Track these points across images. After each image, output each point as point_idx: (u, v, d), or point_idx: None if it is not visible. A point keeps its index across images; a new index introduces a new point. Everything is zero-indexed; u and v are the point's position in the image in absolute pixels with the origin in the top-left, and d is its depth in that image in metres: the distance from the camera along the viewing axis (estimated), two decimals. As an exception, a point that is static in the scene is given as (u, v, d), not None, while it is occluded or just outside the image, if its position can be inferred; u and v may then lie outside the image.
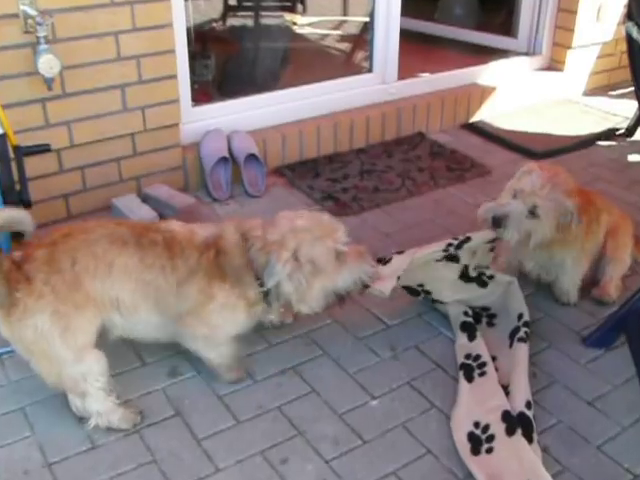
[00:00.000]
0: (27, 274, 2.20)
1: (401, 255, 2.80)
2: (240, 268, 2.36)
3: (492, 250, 2.88)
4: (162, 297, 2.34)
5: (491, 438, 2.30)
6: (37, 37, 3.03)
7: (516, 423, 2.32)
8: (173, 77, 3.59)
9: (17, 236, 2.57)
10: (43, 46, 3.04)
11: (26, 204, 2.85)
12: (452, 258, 2.84)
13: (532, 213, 2.68)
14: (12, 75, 3.14)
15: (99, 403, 2.32)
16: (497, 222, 2.72)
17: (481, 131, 4.66)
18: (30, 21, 3.03)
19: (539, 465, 2.19)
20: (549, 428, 2.41)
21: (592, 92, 5.30)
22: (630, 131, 4.61)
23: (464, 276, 2.88)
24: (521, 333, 2.71)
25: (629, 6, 2.21)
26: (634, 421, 2.44)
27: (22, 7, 3.02)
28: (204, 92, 4.31)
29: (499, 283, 2.90)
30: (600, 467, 2.27)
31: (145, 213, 3.41)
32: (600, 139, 4.60)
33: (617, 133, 4.65)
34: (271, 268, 2.29)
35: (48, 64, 3.04)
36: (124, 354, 2.67)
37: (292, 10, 6.05)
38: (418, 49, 5.34)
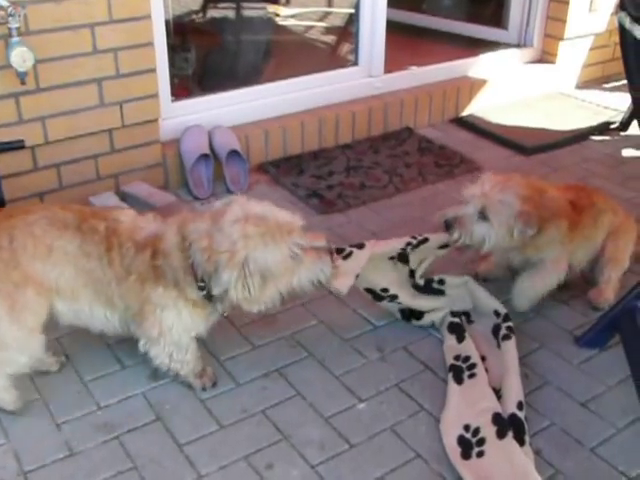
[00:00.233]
0: None
1: (361, 250, 2.81)
2: (179, 270, 2.33)
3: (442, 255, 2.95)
4: (102, 289, 2.36)
5: (482, 442, 2.32)
6: (9, 29, 3.02)
7: (507, 425, 2.33)
8: (152, 71, 3.59)
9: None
10: (15, 39, 3.03)
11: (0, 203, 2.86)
12: (403, 258, 2.87)
13: (482, 216, 2.71)
14: (-17, 69, 3.14)
15: None
16: (449, 225, 2.77)
17: (471, 126, 4.68)
18: (1, 12, 3.01)
19: (531, 468, 2.20)
20: (542, 430, 2.43)
21: (585, 85, 5.34)
22: (624, 125, 4.64)
23: (415, 286, 2.92)
24: (503, 330, 2.74)
25: (621, -4, 2.27)
26: (629, 423, 2.46)
27: (-7, -2, 3.01)
28: (184, 86, 4.32)
29: (455, 286, 2.93)
30: (594, 470, 2.28)
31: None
32: (593, 133, 4.63)
33: (611, 127, 4.68)
34: (218, 278, 2.25)
35: (21, 57, 3.03)
36: (102, 357, 2.67)
37: (275, 1, 6.06)
38: (405, 41, 5.35)
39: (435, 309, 2.89)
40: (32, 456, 2.29)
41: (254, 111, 4.17)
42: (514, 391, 2.47)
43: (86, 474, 2.24)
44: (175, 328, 2.40)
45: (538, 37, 5.18)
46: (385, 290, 2.83)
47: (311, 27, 6.05)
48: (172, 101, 3.93)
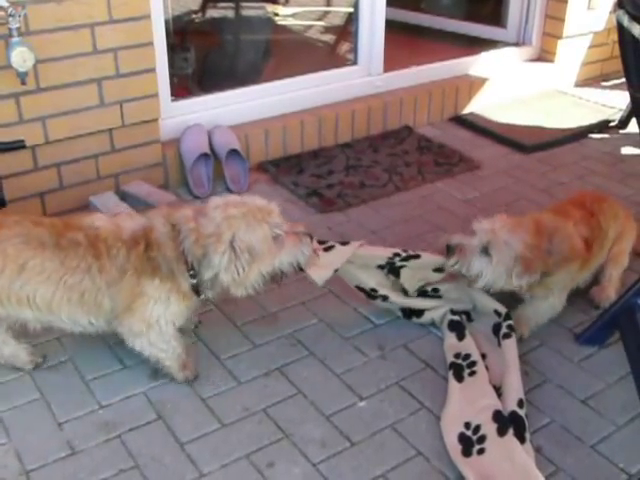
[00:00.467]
0: None
1: (344, 247, 2.83)
2: (172, 260, 2.36)
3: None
4: (91, 299, 2.35)
5: (482, 439, 2.32)
6: (9, 29, 3.03)
7: (508, 423, 2.33)
8: (152, 71, 3.60)
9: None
10: (16, 39, 3.03)
11: (0, 203, 2.87)
12: (394, 270, 2.87)
13: (485, 250, 2.71)
14: (-17, 69, 3.14)
15: None
16: (450, 251, 2.77)
17: (470, 124, 4.68)
18: (1, 13, 3.02)
19: (532, 466, 2.20)
20: (542, 428, 2.43)
21: (584, 83, 5.34)
22: (623, 123, 4.64)
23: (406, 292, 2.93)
24: (504, 329, 2.74)
25: (620, -6, 2.27)
26: (629, 420, 2.46)
27: (-7, -2, 3.02)
28: (184, 86, 4.32)
29: (451, 290, 2.93)
30: (594, 467, 2.29)
31: (124, 211, 3.41)
32: (593, 131, 4.64)
33: (610, 125, 4.69)
34: (208, 261, 2.31)
35: (21, 57, 3.03)
36: (103, 356, 2.68)
37: (274, 1, 6.06)
38: (404, 40, 5.35)
39: (435, 307, 2.89)
40: (34, 455, 2.30)
41: (254, 110, 4.17)
42: (514, 389, 2.48)
43: (88, 473, 2.24)
44: (163, 319, 2.42)
45: (537, 35, 5.18)
46: (374, 290, 2.84)
47: (310, 26, 6.05)
48: (172, 101, 3.93)
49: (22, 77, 3.11)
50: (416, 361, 2.73)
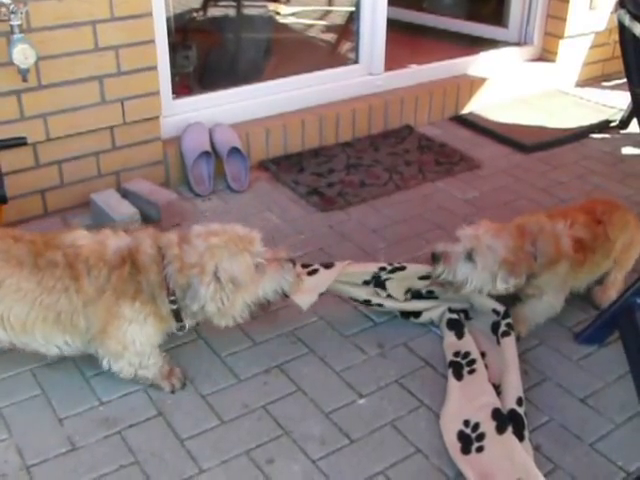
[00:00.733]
0: None
1: (328, 270, 2.83)
2: (155, 285, 2.35)
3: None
4: (67, 319, 2.33)
5: (481, 437, 2.33)
6: (11, 26, 3.03)
7: (507, 421, 2.34)
8: (153, 68, 3.61)
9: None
10: (17, 35, 3.04)
11: (1, 200, 2.87)
12: (380, 284, 2.88)
13: (469, 256, 2.74)
14: (-15, 66, 3.15)
15: None
16: (435, 258, 2.80)
17: (470, 124, 4.69)
18: (3, 9, 3.03)
19: (531, 463, 2.21)
20: (541, 426, 2.44)
21: (585, 83, 5.35)
22: (624, 123, 4.65)
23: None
24: (503, 327, 2.75)
25: (621, -7, 2.27)
26: (627, 418, 2.47)
27: (-6, -5, 3.03)
28: (185, 84, 4.33)
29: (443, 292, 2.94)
30: (593, 465, 2.30)
31: (125, 209, 3.42)
32: (593, 131, 4.64)
33: (611, 125, 4.70)
34: (194, 292, 2.29)
35: (23, 54, 3.04)
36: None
37: (275, 0, 6.07)
38: (406, 39, 5.36)
39: (433, 307, 2.90)
40: (35, 450, 2.31)
41: (255, 109, 4.18)
42: (514, 387, 2.49)
43: (88, 468, 2.25)
44: (138, 341, 2.40)
45: (538, 35, 5.19)
46: (367, 301, 2.86)
47: (312, 25, 6.06)
48: (173, 99, 3.93)
49: (24, 74, 3.11)
50: (416, 359, 2.74)
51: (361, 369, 2.68)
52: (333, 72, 4.52)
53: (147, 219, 3.44)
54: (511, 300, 2.89)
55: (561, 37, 5.09)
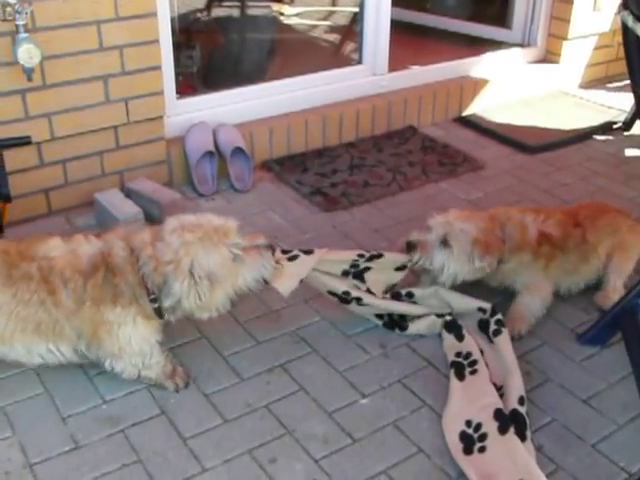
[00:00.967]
0: None
1: (308, 256, 2.80)
2: (135, 286, 2.34)
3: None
4: (49, 329, 2.31)
5: (483, 437, 2.33)
6: (16, 25, 3.05)
7: (509, 421, 2.35)
8: (157, 68, 3.61)
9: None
10: (22, 35, 3.05)
11: (6, 199, 2.88)
12: (358, 275, 2.88)
13: (444, 242, 2.80)
14: (-10, 65, 3.16)
15: None
16: (411, 247, 2.85)
17: (474, 125, 4.69)
18: (8, 9, 3.04)
19: (533, 464, 2.21)
20: (543, 427, 2.44)
21: (589, 85, 5.35)
22: (627, 125, 4.65)
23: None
24: (493, 326, 2.77)
25: (625, -5, 2.28)
26: (629, 419, 2.47)
27: (0, -5, 3.04)
28: (189, 84, 4.34)
29: (426, 297, 2.92)
30: (595, 466, 2.30)
31: (128, 208, 3.42)
32: (597, 133, 4.64)
33: (614, 127, 4.69)
34: (168, 289, 2.29)
35: (28, 54, 3.05)
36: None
37: (279, 0, 6.07)
38: (409, 40, 5.37)
39: (419, 317, 2.86)
40: (38, 449, 2.31)
41: (259, 109, 4.19)
42: (515, 386, 2.49)
43: (91, 467, 2.26)
44: (134, 340, 2.40)
45: (542, 37, 5.19)
46: (347, 293, 2.81)
47: (316, 26, 6.07)
48: (177, 98, 3.94)
49: (28, 73, 3.13)
50: (418, 359, 2.74)
51: (364, 369, 2.69)
52: (337, 72, 4.53)
53: (150, 218, 3.45)
54: (499, 300, 2.91)
55: (565, 38, 5.09)
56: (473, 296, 2.88)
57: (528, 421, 2.38)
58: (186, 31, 4.93)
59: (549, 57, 5.25)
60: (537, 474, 2.17)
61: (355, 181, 3.96)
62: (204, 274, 2.31)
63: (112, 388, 2.55)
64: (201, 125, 3.93)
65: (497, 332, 2.74)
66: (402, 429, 2.42)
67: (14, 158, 3.25)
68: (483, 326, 2.81)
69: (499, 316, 2.80)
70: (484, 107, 4.87)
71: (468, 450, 2.31)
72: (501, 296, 2.99)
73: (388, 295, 2.92)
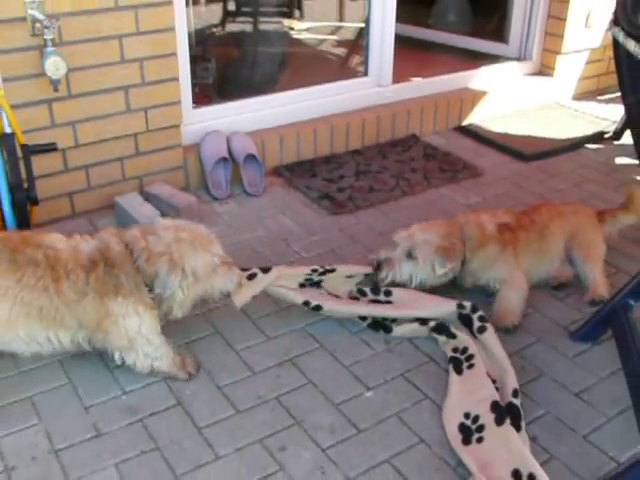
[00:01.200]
0: None
1: (266, 274, 2.85)
2: (135, 276, 2.36)
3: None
4: (50, 315, 2.29)
5: (481, 428, 2.34)
6: (44, 40, 3.07)
7: (505, 413, 2.35)
8: (175, 79, 3.62)
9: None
10: (50, 49, 3.07)
11: (33, 201, 2.89)
12: (315, 284, 2.95)
13: (409, 255, 2.90)
14: (20, 76, 3.16)
15: None
16: (378, 265, 2.95)
17: (473, 134, 4.69)
18: (38, 25, 3.07)
19: (527, 453, 2.21)
20: (537, 418, 2.44)
21: (581, 96, 5.34)
22: (617, 134, 4.65)
23: (361, 292, 2.95)
24: (477, 322, 2.77)
25: (615, 12, 2.24)
26: (619, 412, 2.47)
27: (30, 11, 3.05)
28: (204, 94, 4.35)
29: (401, 296, 2.92)
30: (586, 455, 2.30)
31: (147, 211, 3.43)
32: (589, 142, 4.64)
33: (605, 136, 4.69)
34: (165, 280, 2.32)
35: (54, 66, 3.07)
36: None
37: (290, 16, 6.08)
38: (412, 54, 5.36)
39: (401, 322, 2.84)
40: (62, 436, 2.33)
41: (270, 118, 4.19)
42: (509, 381, 2.50)
43: (112, 453, 2.27)
44: (143, 330, 2.41)
45: (537, 51, 5.19)
46: (307, 303, 2.81)
47: (324, 40, 6.07)
48: (193, 108, 3.95)
49: (55, 84, 3.14)
50: (420, 355, 2.74)
51: (368, 363, 2.69)
52: (344, 84, 4.53)
53: (168, 221, 3.45)
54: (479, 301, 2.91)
55: (558, 53, 5.09)
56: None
57: (523, 413, 2.38)
58: (202, 45, 4.94)
59: (544, 70, 5.24)
60: (531, 463, 2.17)
61: (361, 186, 3.97)
62: (191, 271, 2.37)
63: (131, 380, 2.56)
64: (216, 133, 3.93)
65: (482, 329, 2.74)
66: (404, 420, 2.43)
67: (41, 164, 3.27)
68: (465, 322, 2.81)
69: (481, 312, 2.79)
70: (482, 117, 4.87)
71: (467, 441, 2.31)
72: (479, 298, 2.98)
73: (355, 290, 2.95)
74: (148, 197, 3.63)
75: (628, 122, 4.40)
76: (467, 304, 2.82)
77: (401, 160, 4.29)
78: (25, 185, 2.87)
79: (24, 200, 2.84)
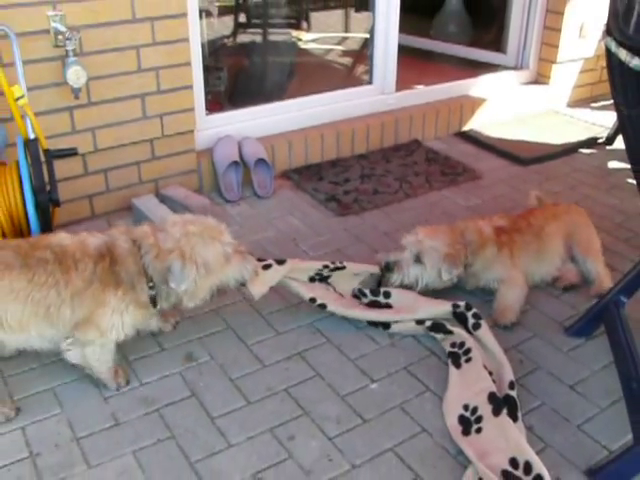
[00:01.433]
0: None
1: (281, 265, 2.85)
2: (134, 274, 2.33)
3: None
4: (55, 311, 2.27)
5: (479, 419, 2.34)
6: (66, 51, 3.09)
7: (502, 404, 2.36)
8: (189, 87, 3.64)
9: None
10: (71, 59, 3.09)
11: (55, 203, 2.91)
12: (323, 279, 2.95)
13: (417, 259, 2.90)
14: (43, 85, 3.19)
15: None
16: (388, 267, 2.94)
17: (473, 139, 4.69)
18: (60, 36, 3.09)
19: (524, 442, 2.22)
20: (534, 409, 2.45)
21: (575, 104, 5.33)
22: (610, 140, 4.65)
23: (362, 292, 2.95)
24: (471, 319, 2.78)
25: (608, 22, 2.24)
26: (611, 403, 2.48)
27: (53, 24, 3.07)
28: (217, 102, 4.35)
29: (400, 297, 2.92)
30: (580, 444, 2.31)
31: (162, 212, 3.44)
32: (582, 147, 4.64)
33: (598, 142, 4.69)
34: (179, 274, 2.28)
35: (75, 75, 3.09)
36: (143, 340, 2.71)
37: (297, 27, 6.10)
38: (415, 63, 5.37)
39: (398, 320, 2.83)
40: (83, 424, 2.34)
41: (279, 124, 4.20)
42: (505, 373, 2.51)
43: (130, 441, 2.28)
44: (115, 329, 2.37)
45: (533, 60, 5.18)
46: (313, 300, 2.83)
47: (330, 50, 6.07)
48: (206, 114, 3.96)
49: (76, 92, 3.16)
50: (422, 349, 2.75)
51: (373, 357, 2.70)
52: (349, 92, 4.53)
53: (183, 222, 3.46)
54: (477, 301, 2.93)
55: (554, 62, 5.08)
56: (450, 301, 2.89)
57: (519, 403, 2.38)
58: (215, 54, 4.96)
59: (540, 79, 5.24)
60: (528, 451, 2.18)
61: (366, 189, 3.98)
62: (201, 262, 2.33)
63: (148, 372, 2.58)
64: (228, 138, 3.95)
65: (476, 326, 2.75)
66: (407, 411, 2.44)
67: (62, 167, 3.29)
68: (460, 318, 2.81)
69: (475, 310, 2.80)
70: (482, 123, 4.87)
71: (466, 432, 2.32)
72: (477, 297, 3.01)
73: (368, 290, 2.93)
74: (163, 199, 3.64)
75: (620, 128, 4.42)
76: (461, 303, 2.83)
77: (404, 164, 4.30)
78: (48, 187, 2.89)
79: (47, 202, 2.86)
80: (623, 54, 2.20)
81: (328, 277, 2.98)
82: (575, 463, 2.24)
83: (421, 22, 6.12)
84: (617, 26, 2.19)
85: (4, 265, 2.22)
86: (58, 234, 2.40)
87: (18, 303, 2.23)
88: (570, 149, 4.59)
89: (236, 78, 4.85)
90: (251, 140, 4.01)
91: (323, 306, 2.82)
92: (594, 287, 3.05)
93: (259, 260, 2.79)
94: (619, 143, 4.59)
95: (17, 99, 2.82)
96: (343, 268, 3.01)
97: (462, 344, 2.68)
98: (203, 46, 3.90)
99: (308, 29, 6.25)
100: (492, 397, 2.39)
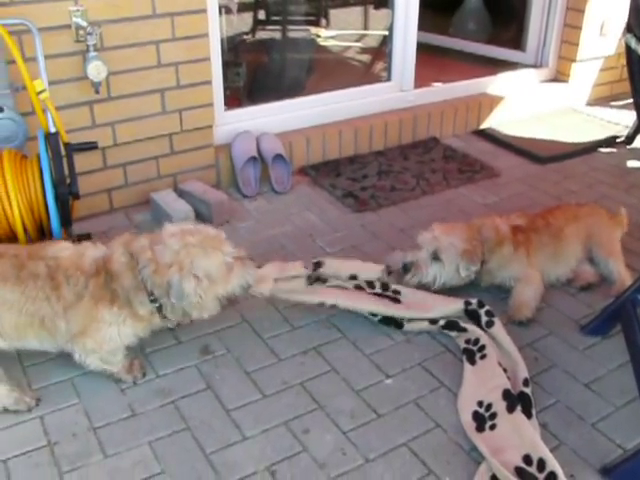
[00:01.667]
0: None
1: (272, 263, 2.88)
2: (130, 289, 2.31)
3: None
4: (50, 323, 2.30)
5: (494, 416, 2.35)
6: (87, 46, 3.12)
7: (516, 401, 2.36)
8: (208, 83, 3.66)
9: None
10: (92, 54, 3.12)
11: (75, 196, 2.94)
12: (320, 281, 2.92)
13: (435, 257, 2.88)
14: (64, 80, 3.22)
15: None
16: (406, 268, 2.92)
17: (490, 137, 4.68)
18: (81, 31, 3.11)
19: (538, 439, 2.23)
20: (548, 407, 2.45)
21: (595, 102, 5.30)
22: (629, 139, 4.62)
23: (369, 284, 2.94)
24: (485, 317, 2.77)
25: (628, 19, 2.24)
26: (626, 402, 2.47)
27: (74, 19, 3.10)
28: (236, 97, 4.37)
29: (407, 294, 2.91)
30: (594, 442, 2.31)
31: (180, 207, 3.47)
32: (601, 146, 4.61)
33: (617, 141, 4.66)
34: (179, 290, 2.25)
35: (96, 70, 3.12)
36: (161, 333, 2.69)
37: (316, 24, 6.09)
38: (433, 60, 5.35)
39: (412, 319, 2.83)
40: (100, 415, 2.37)
41: (297, 120, 4.22)
42: (519, 370, 2.51)
43: (146, 432, 2.31)
44: (113, 341, 2.38)
45: (553, 58, 5.16)
46: (322, 304, 2.81)
47: (349, 47, 6.07)
48: (225, 110, 3.98)
49: (96, 87, 3.19)
50: (437, 345, 2.75)
51: (388, 353, 2.71)
52: (368, 88, 4.54)
53: (200, 216, 3.49)
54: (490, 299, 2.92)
55: (574, 60, 5.06)
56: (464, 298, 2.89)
57: (533, 400, 2.39)
58: (234, 51, 4.97)
59: (559, 77, 5.21)
60: (541, 448, 2.19)
61: (383, 185, 3.98)
62: (203, 274, 2.29)
63: (165, 364, 2.60)
64: (246, 134, 3.96)
65: (490, 323, 2.75)
66: (422, 406, 2.45)
67: (82, 161, 3.31)
68: (473, 315, 2.81)
69: (488, 307, 2.80)
70: (500, 121, 4.86)
71: (480, 428, 2.32)
72: (491, 294, 3.01)
73: (379, 283, 2.93)
74: (182, 194, 3.66)
75: None
76: (473, 300, 2.83)
77: (422, 161, 4.30)
78: (68, 181, 2.92)
79: (67, 194, 2.89)
80: (642, 51, 2.20)
81: (319, 278, 2.94)
82: (589, 461, 2.24)
83: (440, 19, 6.10)
84: (638, 22, 2.19)
85: (1, 277, 2.26)
86: (59, 244, 2.41)
87: (12, 314, 2.27)
88: (589, 148, 4.57)
89: (255, 74, 4.86)
90: (269, 136, 4.02)
91: (334, 306, 2.82)
92: (615, 287, 3.03)
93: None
94: (639, 142, 4.57)
95: (39, 93, 2.85)
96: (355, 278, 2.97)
97: (477, 341, 2.69)
98: (222, 42, 3.91)
99: (327, 26, 6.24)
100: (506, 394, 2.39)
